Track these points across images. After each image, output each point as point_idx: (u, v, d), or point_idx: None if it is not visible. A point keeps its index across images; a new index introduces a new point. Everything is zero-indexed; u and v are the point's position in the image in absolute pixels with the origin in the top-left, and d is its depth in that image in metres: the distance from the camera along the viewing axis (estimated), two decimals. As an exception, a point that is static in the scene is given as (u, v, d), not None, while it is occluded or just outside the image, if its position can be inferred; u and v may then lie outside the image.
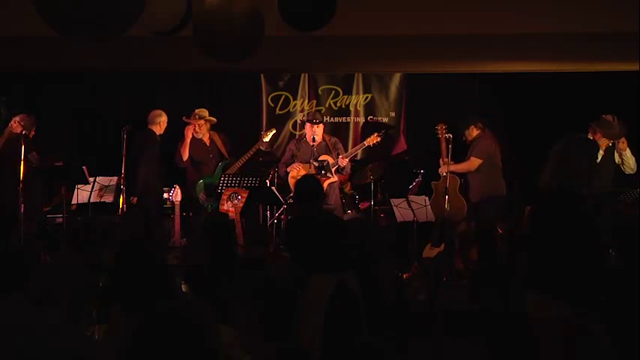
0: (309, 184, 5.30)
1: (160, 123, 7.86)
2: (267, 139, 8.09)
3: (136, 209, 7.54)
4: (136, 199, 7.56)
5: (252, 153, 7.93)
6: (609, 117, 7.03)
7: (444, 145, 7.66)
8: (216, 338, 2.27)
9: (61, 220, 7.25)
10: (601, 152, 6.91)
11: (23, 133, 7.03)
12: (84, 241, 7.46)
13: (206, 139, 7.99)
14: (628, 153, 7.12)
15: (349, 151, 8.27)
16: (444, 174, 7.53)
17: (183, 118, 8.00)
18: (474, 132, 7.64)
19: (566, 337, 3.32)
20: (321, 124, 7.96)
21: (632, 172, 7.15)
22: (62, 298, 2.92)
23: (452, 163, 7.56)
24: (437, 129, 7.71)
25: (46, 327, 2.69)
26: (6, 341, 2.64)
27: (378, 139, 8.04)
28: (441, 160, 7.68)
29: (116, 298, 3.00)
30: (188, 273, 3.99)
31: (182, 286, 3.98)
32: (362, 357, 3.55)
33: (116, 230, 7.31)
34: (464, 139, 7.70)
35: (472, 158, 7.54)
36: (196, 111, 7.99)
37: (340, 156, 7.85)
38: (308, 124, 7.97)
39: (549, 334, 3.34)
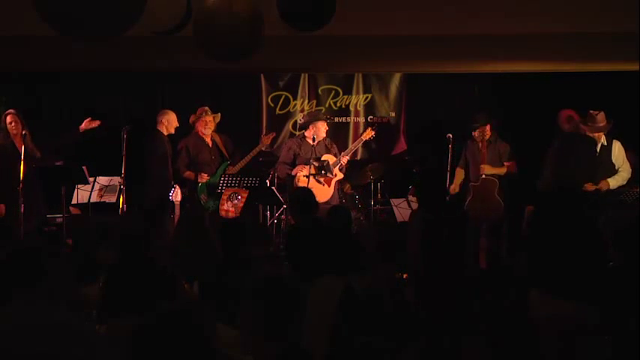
0: (302, 195, 5.38)
1: (163, 122, 7.83)
2: (265, 140, 8.12)
3: (136, 209, 7.54)
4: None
5: (252, 155, 7.94)
6: (594, 112, 7.03)
7: (484, 146, 7.60)
8: (216, 338, 2.27)
9: (61, 220, 7.24)
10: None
11: (23, 132, 7.01)
12: (84, 241, 7.45)
13: (208, 140, 7.98)
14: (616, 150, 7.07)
15: (348, 148, 8.29)
16: (484, 176, 7.47)
17: (190, 119, 7.99)
18: (489, 132, 7.62)
19: (568, 336, 3.32)
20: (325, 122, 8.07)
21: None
22: (62, 297, 2.92)
23: (489, 165, 7.50)
24: (477, 132, 7.60)
25: (58, 326, 2.69)
26: (18, 341, 2.64)
27: (373, 132, 8.10)
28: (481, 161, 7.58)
29: (114, 299, 3.00)
30: (190, 273, 3.99)
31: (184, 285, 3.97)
32: (362, 357, 3.56)
33: (116, 230, 7.30)
34: (473, 136, 7.64)
35: (512, 162, 7.60)
36: (205, 108, 7.98)
37: (342, 154, 7.92)
38: (320, 122, 7.95)
39: (552, 333, 3.34)
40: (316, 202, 5.68)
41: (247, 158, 7.90)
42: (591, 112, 7.09)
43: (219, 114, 8.02)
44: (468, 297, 4.67)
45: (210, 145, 7.99)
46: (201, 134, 7.92)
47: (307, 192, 5.82)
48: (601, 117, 7.05)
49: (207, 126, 7.89)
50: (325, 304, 3.48)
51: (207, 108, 7.97)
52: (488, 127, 7.63)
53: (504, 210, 7.50)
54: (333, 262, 3.79)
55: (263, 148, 8.35)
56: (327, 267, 3.76)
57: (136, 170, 7.57)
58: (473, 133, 7.68)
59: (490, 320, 4.93)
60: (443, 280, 4.77)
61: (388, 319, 4.00)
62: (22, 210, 6.75)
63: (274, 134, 8.44)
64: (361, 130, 9.11)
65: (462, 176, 7.75)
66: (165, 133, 7.85)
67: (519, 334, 3.33)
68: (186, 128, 8.06)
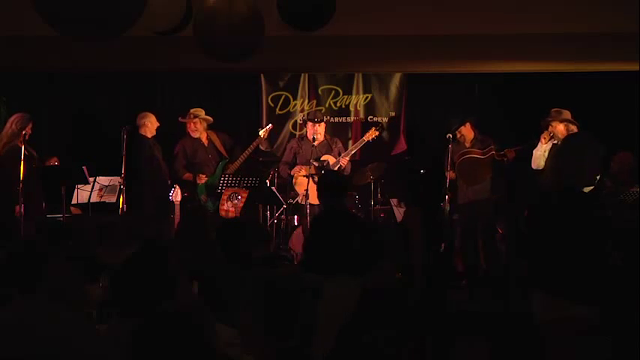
0: (334, 177, 5.31)
1: (144, 125, 7.76)
2: (263, 133, 8.02)
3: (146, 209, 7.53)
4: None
5: (251, 149, 7.91)
6: (554, 111, 6.95)
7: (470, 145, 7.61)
8: (216, 338, 2.27)
9: (61, 219, 7.24)
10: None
11: (24, 133, 6.99)
12: (84, 242, 7.45)
13: (204, 139, 7.97)
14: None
15: (349, 148, 8.29)
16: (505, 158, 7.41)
17: (179, 119, 7.99)
18: (471, 132, 7.60)
19: (569, 336, 3.31)
20: (322, 123, 8.03)
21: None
22: (62, 297, 2.92)
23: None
24: (459, 133, 7.57)
25: (58, 326, 2.70)
26: (19, 341, 2.65)
27: (377, 132, 8.09)
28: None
29: (116, 300, 2.99)
30: (190, 273, 3.99)
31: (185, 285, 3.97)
32: (362, 357, 3.55)
33: (117, 230, 7.30)
34: (457, 137, 7.61)
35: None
36: (191, 110, 7.96)
37: (341, 155, 7.90)
38: (310, 123, 8.01)
39: (552, 333, 3.34)
40: (347, 186, 5.50)
41: (246, 153, 7.87)
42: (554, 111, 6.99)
43: (211, 118, 7.99)
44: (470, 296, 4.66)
45: (207, 144, 7.97)
46: (192, 133, 7.91)
47: (338, 175, 5.72)
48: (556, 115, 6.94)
49: (196, 128, 7.88)
50: (341, 304, 3.45)
51: (195, 112, 7.91)
52: (468, 125, 7.60)
53: (495, 205, 7.50)
54: (352, 258, 3.75)
55: (262, 147, 8.34)
56: (346, 262, 3.72)
57: (132, 172, 7.56)
58: (457, 137, 7.61)
59: (490, 320, 4.93)
60: (441, 278, 4.77)
61: (387, 319, 4.00)
62: (23, 210, 6.75)
63: (272, 126, 8.34)
64: (361, 131, 9.11)
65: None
66: (149, 136, 7.79)
67: (519, 334, 3.33)
68: (180, 128, 8.05)
